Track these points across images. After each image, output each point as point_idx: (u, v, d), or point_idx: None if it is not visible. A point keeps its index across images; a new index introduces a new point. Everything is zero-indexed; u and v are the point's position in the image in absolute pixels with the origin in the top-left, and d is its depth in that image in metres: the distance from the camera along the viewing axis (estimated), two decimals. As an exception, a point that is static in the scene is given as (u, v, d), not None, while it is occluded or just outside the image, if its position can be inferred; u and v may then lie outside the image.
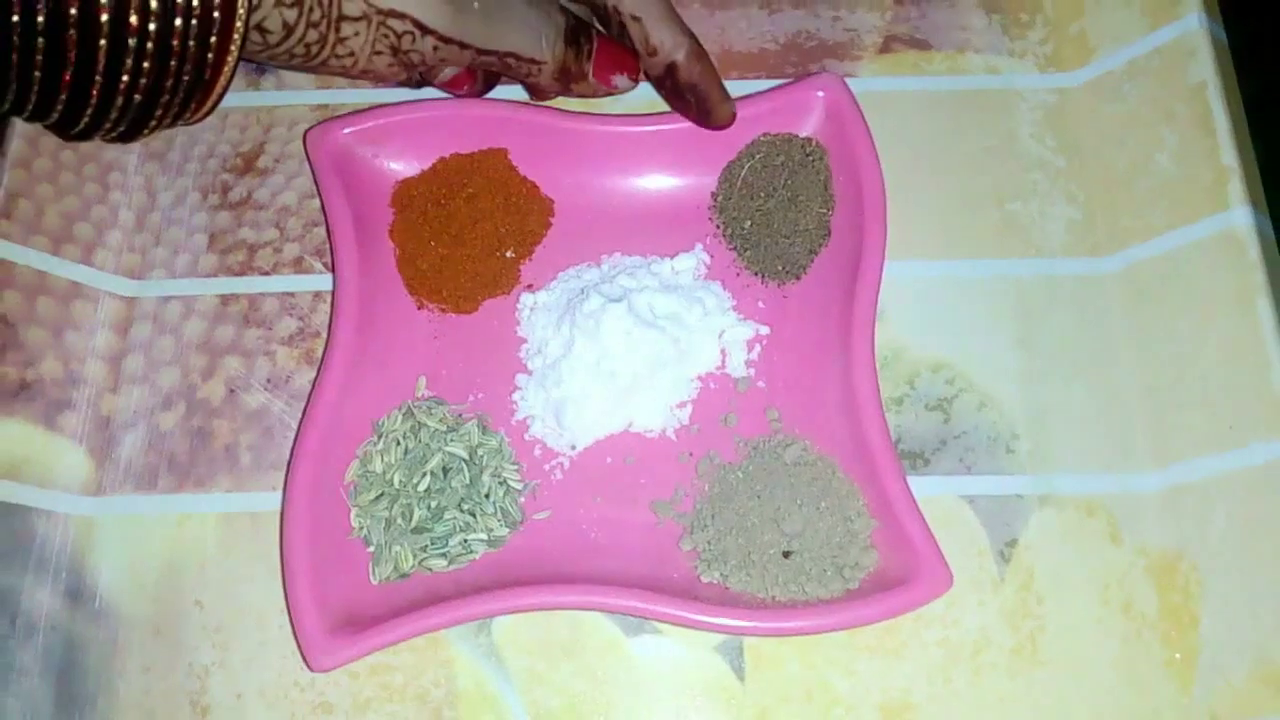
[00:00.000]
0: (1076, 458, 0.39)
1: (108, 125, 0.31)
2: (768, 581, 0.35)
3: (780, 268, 0.41)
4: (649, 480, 0.39)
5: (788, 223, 0.40)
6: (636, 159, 0.42)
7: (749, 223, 0.41)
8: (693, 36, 0.40)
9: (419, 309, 0.41)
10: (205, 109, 0.33)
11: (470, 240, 0.41)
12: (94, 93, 0.29)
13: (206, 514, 0.39)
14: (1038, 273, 0.42)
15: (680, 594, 0.35)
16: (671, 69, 0.39)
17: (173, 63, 0.30)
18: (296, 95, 0.46)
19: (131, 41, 0.29)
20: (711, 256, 0.42)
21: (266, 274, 0.43)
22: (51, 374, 0.40)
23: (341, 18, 0.34)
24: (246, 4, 0.30)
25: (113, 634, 0.37)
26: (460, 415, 0.39)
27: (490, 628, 0.37)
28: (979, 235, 0.43)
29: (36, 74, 0.28)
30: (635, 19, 0.39)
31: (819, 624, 0.34)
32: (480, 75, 0.41)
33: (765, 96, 0.41)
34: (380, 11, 0.34)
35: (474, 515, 0.37)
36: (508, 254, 0.42)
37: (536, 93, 0.43)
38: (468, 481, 0.37)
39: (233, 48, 0.31)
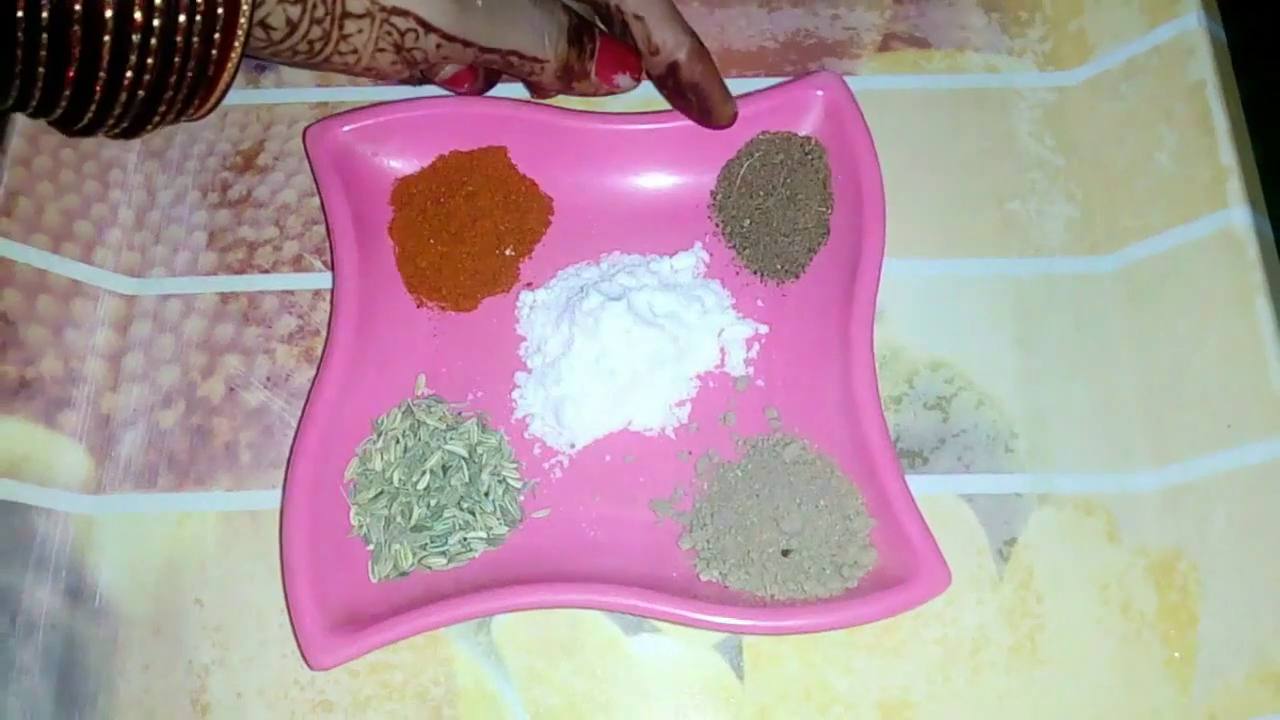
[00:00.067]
0: (1075, 457, 0.39)
1: (111, 121, 0.31)
2: (767, 580, 0.35)
3: (779, 266, 0.41)
4: (648, 479, 0.39)
5: (787, 221, 0.41)
6: (636, 157, 0.42)
7: (748, 221, 0.41)
8: (695, 36, 0.40)
9: (418, 307, 0.41)
10: (209, 105, 0.33)
11: (470, 238, 0.41)
12: (98, 89, 0.30)
13: (206, 512, 0.39)
14: (1036, 271, 0.42)
15: (679, 592, 0.35)
16: (673, 68, 0.39)
17: (176, 59, 0.30)
18: (296, 93, 0.46)
19: (135, 38, 0.29)
20: (711, 255, 0.42)
21: (266, 272, 0.43)
22: (51, 372, 0.40)
23: (345, 15, 0.34)
24: (250, 1, 0.30)
25: (113, 632, 0.37)
26: (460, 413, 0.39)
27: (489, 626, 0.37)
28: (978, 234, 0.43)
29: (40, 70, 0.28)
30: (638, 18, 0.39)
31: (818, 622, 0.34)
32: (481, 73, 0.41)
33: (764, 95, 0.41)
34: (384, 9, 0.34)
35: (473, 513, 0.37)
36: (507, 252, 0.42)
37: (538, 91, 0.43)
38: (467, 480, 0.37)
39: (236, 44, 0.31)
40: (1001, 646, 0.37)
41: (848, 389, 0.37)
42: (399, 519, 0.37)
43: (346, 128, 0.41)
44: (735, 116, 0.40)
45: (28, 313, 0.40)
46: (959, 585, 0.36)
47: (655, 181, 0.43)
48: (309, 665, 0.34)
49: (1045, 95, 0.45)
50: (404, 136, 0.42)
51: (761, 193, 0.41)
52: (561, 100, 0.43)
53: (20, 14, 0.27)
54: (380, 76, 0.38)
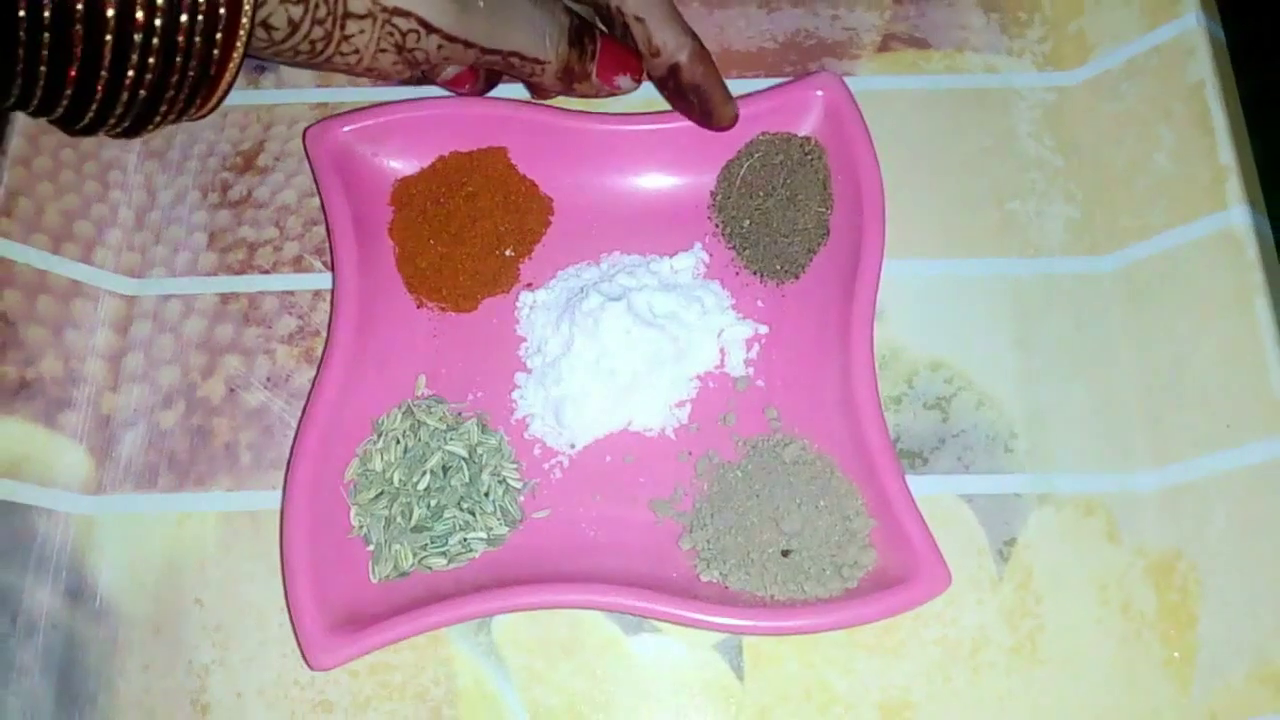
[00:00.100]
0: (1075, 457, 0.39)
1: (113, 121, 0.31)
2: (767, 580, 0.35)
3: (779, 267, 0.41)
4: (648, 479, 0.39)
5: (786, 222, 0.41)
6: (635, 158, 0.42)
7: (748, 222, 0.41)
8: (696, 38, 0.40)
9: (418, 307, 0.41)
10: (210, 105, 0.33)
11: (470, 239, 0.41)
12: (99, 88, 0.30)
13: (206, 512, 0.39)
14: (1036, 272, 0.42)
15: (679, 593, 0.35)
16: (674, 70, 0.39)
17: (178, 59, 0.30)
18: (296, 94, 0.46)
19: (137, 37, 0.29)
20: (710, 255, 0.42)
21: (266, 272, 0.43)
22: (51, 372, 0.40)
23: (347, 15, 0.34)
24: (252, 1, 0.30)
25: (113, 633, 0.37)
26: (460, 414, 0.39)
27: (490, 626, 0.37)
28: (977, 234, 0.43)
29: (42, 69, 0.28)
30: (639, 19, 0.39)
31: (818, 623, 0.34)
32: (482, 74, 0.41)
33: (764, 95, 0.41)
34: (386, 10, 0.34)
35: (473, 514, 0.37)
36: (507, 252, 0.42)
37: (539, 92, 0.43)
38: (467, 480, 0.37)
39: (238, 44, 0.31)
40: (1001, 647, 0.37)
41: (847, 389, 0.37)
42: (399, 519, 0.37)
43: (346, 128, 0.41)
44: (736, 118, 0.41)
45: (28, 313, 0.40)
46: (959, 585, 0.36)
47: (655, 182, 0.43)
48: (309, 665, 0.34)
49: (1045, 95, 0.45)
50: (404, 137, 0.42)
51: (761, 193, 0.41)
52: (562, 101, 0.43)
53: (22, 13, 0.27)
54: (381, 77, 0.38)
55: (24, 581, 0.37)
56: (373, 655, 0.36)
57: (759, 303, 0.41)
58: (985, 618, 0.37)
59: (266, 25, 0.33)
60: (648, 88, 0.41)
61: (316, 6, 0.33)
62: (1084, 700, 0.36)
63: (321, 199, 0.41)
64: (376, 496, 0.37)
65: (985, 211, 0.43)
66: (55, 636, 0.37)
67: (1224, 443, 0.37)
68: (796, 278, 0.41)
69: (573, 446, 0.39)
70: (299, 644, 0.34)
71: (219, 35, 0.30)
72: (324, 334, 0.41)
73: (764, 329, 0.40)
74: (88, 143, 0.43)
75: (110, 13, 0.28)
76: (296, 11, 0.33)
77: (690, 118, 0.41)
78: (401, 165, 0.42)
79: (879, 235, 0.39)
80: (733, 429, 0.39)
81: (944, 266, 0.42)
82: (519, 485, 0.38)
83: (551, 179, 0.43)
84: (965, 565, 0.38)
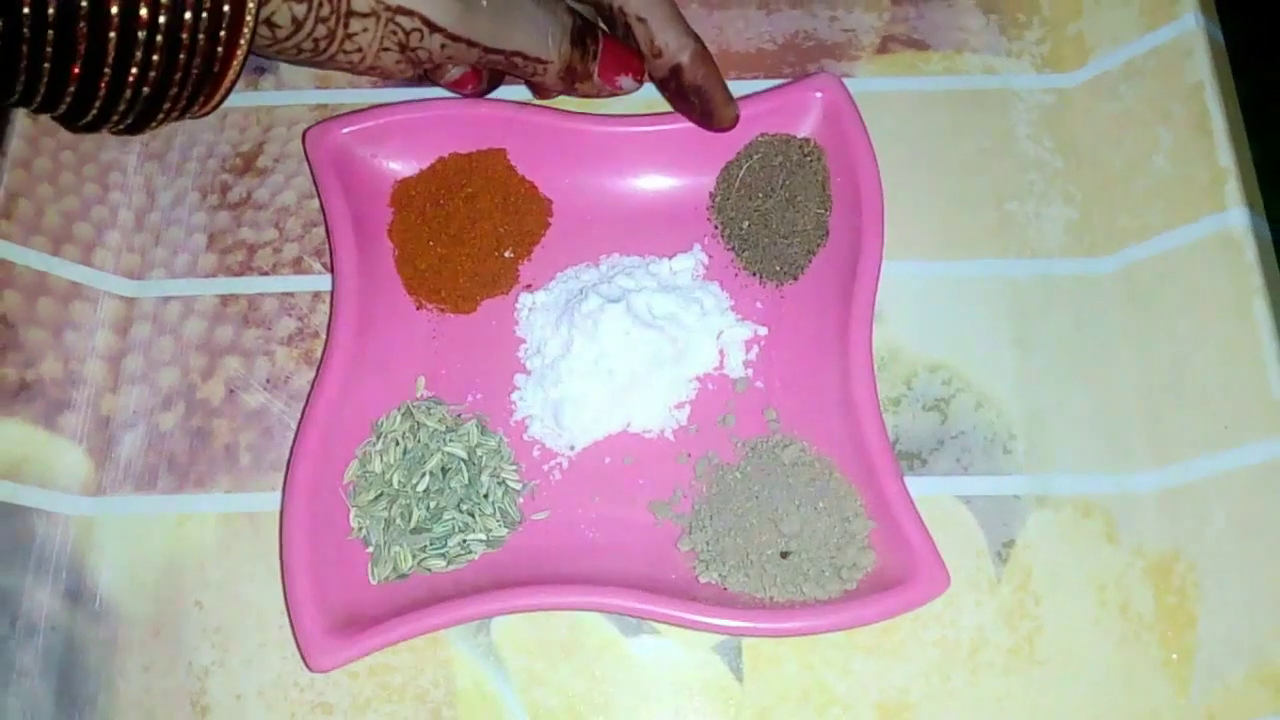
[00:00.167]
0: (1073, 458, 0.39)
1: (115, 117, 0.31)
2: (766, 582, 0.35)
3: (778, 268, 0.41)
4: (647, 481, 0.39)
5: (785, 223, 0.41)
6: (635, 159, 0.42)
7: (747, 223, 0.41)
8: (697, 39, 0.40)
9: (418, 309, 0.41)
10: (214, 102, 0.33)
11: (469, 240, 0.41)
12: (102, 85, 0.30)
13: (206, 514, 0.39)
14: (1035, 273, 0.42)
15: (678, 594, 0.35)
16: (676, 71, 0.40)
17: (181, 56, 0.30)
18: (296, 95, 0.46)
19: (141, 34, 0.29)
20: (710, 257, 0.42)
21: (266, 274, 0.43)
22: (51, 374, 0.40)
23: (350, 13, 0.34)
24: None
25: (113, 634, 0.38)
26: (459, 415, 0.39)
27: (489, 628, 0.37)
28: (976, 235, 0.43)
29: (45, 66, 0.29)
30: (641, 20, 0.39)
31: (817, 624, 0.34)
32: (485, 75, 0.41)
33: (763, 97, 0.41)
34: (389, 8, 0.34)
35: (473, 515, 0.37)
36: (506, 254, 0.42)
37: (541, 91, 0.43)
38: (466, 482, 0.37)
39: (242, 42, 0.31)
40: (1000, 648, 0.37)
41: (846, 391, 0.37)
42: (398, 521, 0.37)
43: (346, 130, 0.41)
44: (737, 119, 0.41)
45: (28, 315, 0.40)
46: (957, 587, 0.36)
47: (654, 183, 0.43)
48: (308, 667, 0.34)
49: (1043, 97, 0.45)
50: (403, 138, 0.42)
51: (760, 195, 0.41)
52: (562, 102, 0.43)
53: (26, 10, 0.27)
54: (384, 76, 0.38)
55: (24, 583, 0.37)
56: (372, 657, 0.36)
57: (758, 304, 0.41)
58: (984, 619, 0.37)
59: (270, 23, 0.33)
60: (648, 89, 0.41)
61: (320, 5, 0.33)
62: (1082, 701, 0.36)
63: (321, 200, 0.41)
64: (376, 498, 0.37)
65: (984, 213, 0.43)
66: (55, 638, 0.37)
67: (1222, 444, 0.37)
68: (795, 279, 0.41)
69: (572, 448, 0.39)
70: (298, 645, 0.34)
71: (223, 32, 0.30)
72: (323, 335, 0.41)
73: (763, 330, 0.40)
74: (87, 145, 0.43)
75: (114, 10, 0.28)
76: (300, 9, 0.33)
77: (691, 118, 0.41)
78: (401, 167, 0.42)
79: (878, 237, 0.39)
80: (732, 430, 0.39)
81: (943, 268, 0.42)
82: (518, 487, 0.38)
83: (551, 180, 0.43)
84: (964, 566, 0.38)
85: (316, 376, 0.38)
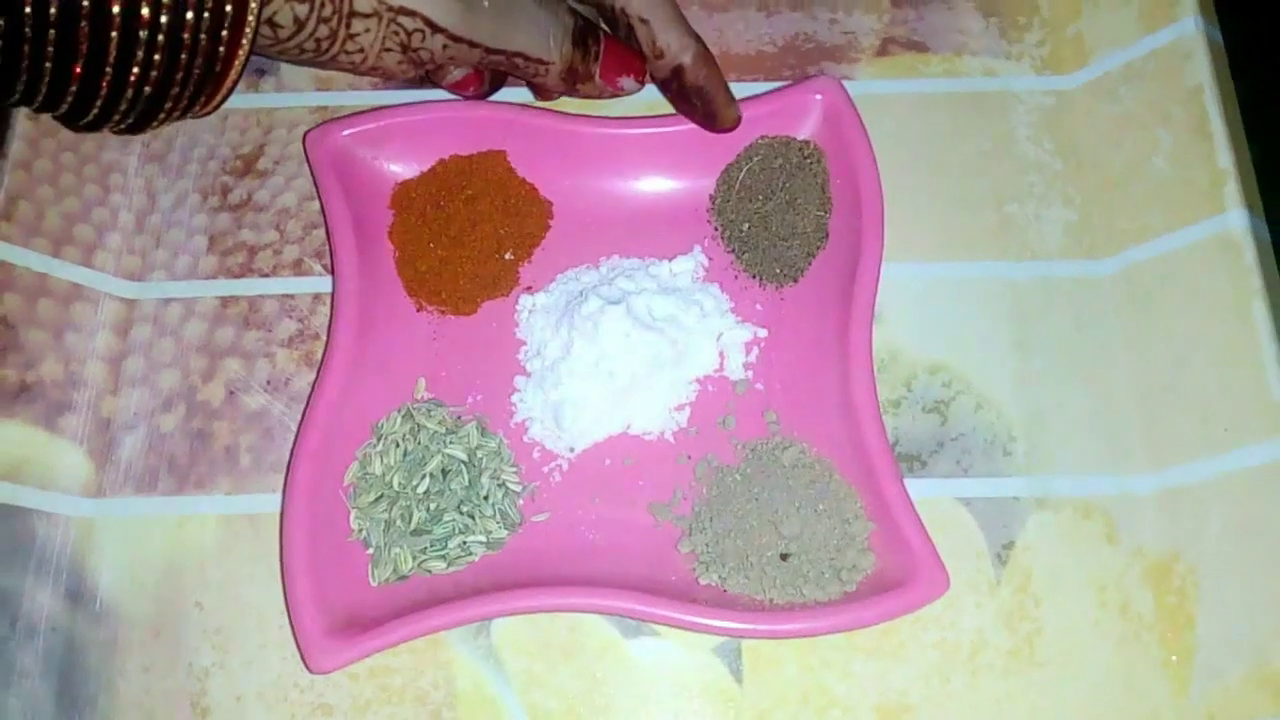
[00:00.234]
0: (1073, 460, 0.39)
1: (117, 117, 0.31)
2: (765, 584, 0.35)
3: (778, 270, 0.41)
4: (647, 482, 0.39)
5: (785, 225, 0.41)
6: (635, 161, 0.42)
7: (747, 225, 0.41)
8: (699, 40, 0.40)
9: (418, 311, 0.41)
10: (215, 102, 0.33)
11: (469, 242, 0.41)
12: (104, 85, 0.30)
13: (206, 515, 0.39)
14: (1034, 275, 0.42)
15: (678, 596, 0.35)
16: (678, 72, 0.40)
17: (183, 56, 0.30)
18: (296, 97, 0.46)
19: (142, 34, 0.29)
20: (709, 259, 0.42)
21: (266, 276, 0.43)
22: (52, 376, 0.40)
23: (353, 14, 0.34)
24: None
25: (113, 635, 0.38)
26: (459, 417, 0.39)
27: (489, 629, 0.37)
28: (976, 237, 0.43)
29: (47, 65, 0.29)
30: (643, 21, 0.39)
31: (816, 626, 0.34)
32: (487, 77, 0.41)
33: (763, 99, 0.42)
34: (391, 9, 0.35)
35: (473, 517, 0.37)
36: (507, 256, 0.42)
37: (542, 93, 0.43)
38: (466, 484, 0.37)
39: (244, 42, 0.31)
40: (1000, 649, 0.37)
41: (846, 392, 0.37)
42: (399, 523, 0.37)
43: (346, 132, 0.41)
44: (739, 120, 0.41)
45: (28, 316, 0.40)
46: (957, 589, 0.36)
47: (654, 185, 0.43)
48: (309, 668, 0.34)
49: (1043, 99, 0.45)
50: (404, 140, 0.42)
51: (760, 197, 0.41)
52: (562, 103, 0.43)
53: (28, 9, 0.27)
54: (386, 76, 0.38)
55: (24, 584, 0.37)
56: (372, 658, 0.36)
57: (758, 306, 0.41)
58: (983, 621, 0.37)
59: (272, 23, 0.33)
60: (649, 90, 0.42)
61: (322, 5, 0.33)
62: (1082, 702, 0.36)
63: (321, 202, 0.41)
64: (376, 500, 0.37)
65: (984, 214, 0.43)
66: (55, 639, 0.37)
67: (1222, 446, 0.37)
68: (795, 281, 0.41)
69: (572, 450, 0.39)
70: (299, 647, 0.34)
71: (224, 32, 0.30)
72: (324, 337, 0.41)
73: (763, 332, 0.40)
74: (88, 146, 0.43)
75: (116, 10, 0.28)
76: (302, 10, 0.33)
77: (693, 120, 0.41)
78: (401, 169, 0.42)
79: (878, 239, 0.39)
80: (732, 432, 0.39)
81: (943, 270, 0.42)
82: (518, 488, 0.38)
83: (551, 182, 0.43)
84: (964, 568, 0.38)
85: (317, 378, 0.38)
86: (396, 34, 0.35)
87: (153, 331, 0.42)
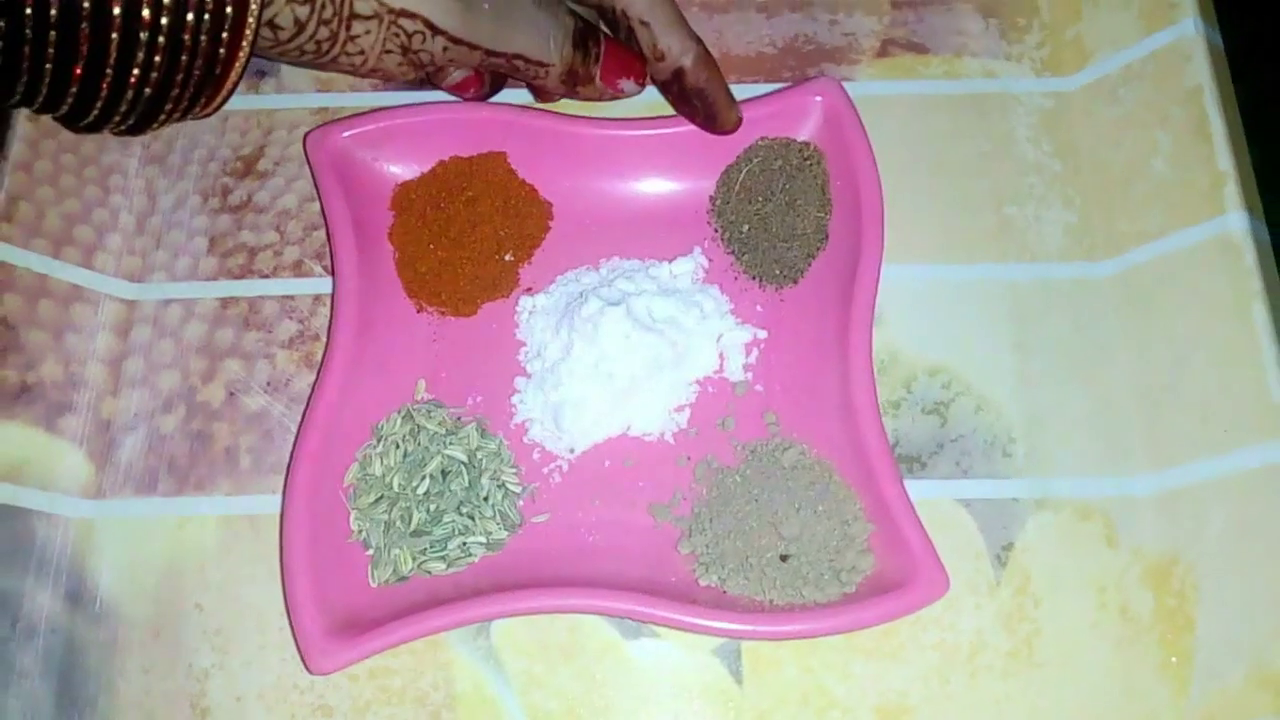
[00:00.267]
0: (1073, 461, 0.39)
1: (117, 118, 0.31)
2: (765, 585, 0.35)
3: (778, 271, 0.41)
4: (647, 483, 0.39)
5: (785, 227, 0.41)
6: (635, 163, 0.42)
7: (747, 227, 0.41)
8: (700, 42, 0.40)
9: (418, 312, 0.41)
10: (215, 104, 0.33)
11: (469, 243, 0.41)
12: (104, 86, 0.30)
13: (206, 516, 0.39)
14: (1034, 277, 0.42)
15: (678, 597, 0.35)
16: (679, 74, 0.40)
17: (184, 57, 0.30)
18: (296, 98, 0.46)
19: (143, 36, 0.29)
20: (709, 260, 0.42)
21: (266, 277, 0.43)
22: (52, 377, 0.40)
23: (353, 16, 0.34)
24: (259, 0, 0.30)
25: (113, 636, 0.38)
26: (459, 418, 0.39)
27: (489, 630, 0.37)
28: (975, 239, 0.43)
29: (48, 66, 0.29)
30: (643, 23, 0.39)
31: (816, 627, 0.34)
32: (487, 79, 0.41)
33: (763, 101, 0.42)
34: (392, 11, 0.35)
35: (473, 518, 0.37)
36: (507, 257, 0.42)
37: (542, 95, 0.43)
38: (466, 485, 0.37)
39: (244, 43, 0.31)
40: (999, 651, 0.37)
41: (846, 394, 0.37)
42: (398, 524, 0.37)
43: (347, 133, 0.41)
44: (740, 122, 0.41)
45: (28, 317, 0.40)
46: (957, 590, 0.36)
47: (654, 187, 0.43)
48: (308, 669, 0.34)
49: (1043, 101, 0.45)
50: (404, 142, 0.42)
51: (760, 198, 0.41)
52: (563, 105, 0.43)
53: (29, 11, 0.27)
54: (386, 78, 0.38)
55: (24, 585, 0.37)
56: (372, 659, 0.36)
57: (758, 307, 0.41)
58: (983, 622, 0.37)
59: (272, 25, 0.33)
60: (649, 91, 0.42)
61: (323, 7, 0.33)
62: (1081, 704, 0.36)
63: (322, 204, 0.41)
64: (376, 501, 0.37)
65: (983, 216, 0.43)
66: (55, 640, 0.37)
67: (1221, 447, 0.37)
68: (795, 282, 0.41)
69: (572, 451, 0.39)
70: (298, 648, 0.34)
71: (225, 34, 0.30)
72: (324, 338, 0.41)
73: (763, 334, 0.40)
74: (88, 148, 0.43)
75: (117, 11, 0.28)
76: (303, 11, 0.33)
77: (694, 122, 0.41)
78: (401, 170, 0.42)
79: (877, 240, 0.39)
80: (731, 433, 0.39)
81: (942, 271, 0.42)
82: (518, 490, 0.38)
83: (551, 184, 0.43)
84: (963, 570, 0.38)
85: (317, 379, 0.38)
86: (397, 36, 0.35)
87: (153, 333, 0.42)
